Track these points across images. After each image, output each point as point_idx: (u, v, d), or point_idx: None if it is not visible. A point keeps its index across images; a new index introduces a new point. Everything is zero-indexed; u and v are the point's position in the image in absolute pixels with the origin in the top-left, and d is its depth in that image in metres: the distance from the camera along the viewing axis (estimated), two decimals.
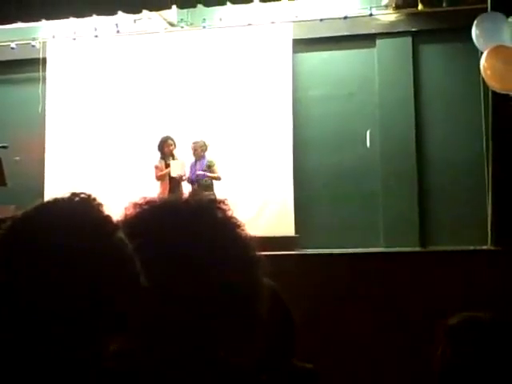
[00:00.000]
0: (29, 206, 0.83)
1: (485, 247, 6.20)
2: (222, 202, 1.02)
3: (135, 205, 0.99)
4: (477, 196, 7.49)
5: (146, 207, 0.98)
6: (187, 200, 1.02)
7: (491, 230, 6.25)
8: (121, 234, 0.85)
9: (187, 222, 0.96)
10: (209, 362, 0.92)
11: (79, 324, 0.78)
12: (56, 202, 0.84)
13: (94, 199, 0.85)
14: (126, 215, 0.98)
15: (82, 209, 0.83)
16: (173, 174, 8.08)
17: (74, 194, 0.85)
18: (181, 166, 8.17)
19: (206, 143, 8.32)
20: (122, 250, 0.83)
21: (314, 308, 4.48)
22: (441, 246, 7.64)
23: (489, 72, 6.01)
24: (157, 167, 8.17)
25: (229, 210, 1.01)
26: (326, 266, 5.20)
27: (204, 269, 0.91)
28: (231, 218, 1.00)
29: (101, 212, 0.85)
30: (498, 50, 6.01)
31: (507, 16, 6.11)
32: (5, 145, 7.35)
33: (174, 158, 8.26)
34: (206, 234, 0.95)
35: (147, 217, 0.97)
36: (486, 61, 6.02)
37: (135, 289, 0.83)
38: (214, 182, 8.22)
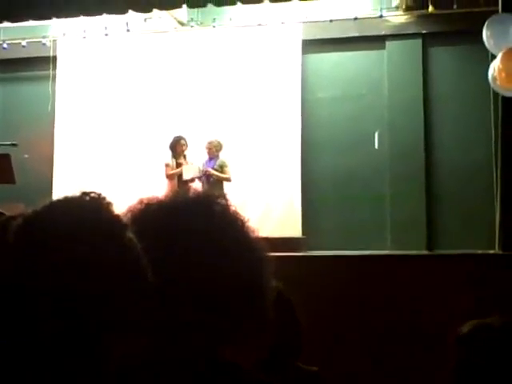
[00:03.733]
0: (39, 205, 0.83)
1: (492, 251, 6.18)
2: (228, 200, 1.02)
3: (142, 203, 1.00)
4: (485, 199, 7.47)
5: (154, 205, 0.99)
6: (195, 198, 1.02)
7: (499, 234, 6.22)
8: (130, 234, 0.85)
9: (195, 219, 0.96)
10: (213, 361, 0.92)
11: (86, 322, 0.78)
12: (66, 200, 0.84)
13: (104, 198, 0.86)
14: (132, 213, 0.98)
15: (92, 208, 0.84)
16: (185, 177, 8.10)
17: (84, 193, 0.85)
18: (193, 170, 8.19)
19: (221, 143, 8.35)
20: (131, 249, 0.84)
21: (320, 310, 4.48)
22: (448, 249, 7.61)
23: (503, 74, 5.94)
24: (167, 165, 8.20)
25: (235, 208, 1.01)
26: (332, 268, 5.19)
27: (211, 268, 0.91)
28: (239, 215, 1.00)
29: (111, 211, 0.85)
30: None
31: None
32: (14, 142, 7.37)
33: (185, 158, 8.30)
34: (214, 232, 0.95)
35: (155, 215, 0.97)
36: (501, 62, 5.96)
37: (144, 287, 0.83)
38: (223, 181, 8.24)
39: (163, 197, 1.02)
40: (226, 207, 1.00)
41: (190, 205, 0.99)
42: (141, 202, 0.99)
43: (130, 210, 0.97)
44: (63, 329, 0.76)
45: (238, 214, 1.00)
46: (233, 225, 0.98)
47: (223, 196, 1.03)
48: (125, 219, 0.90)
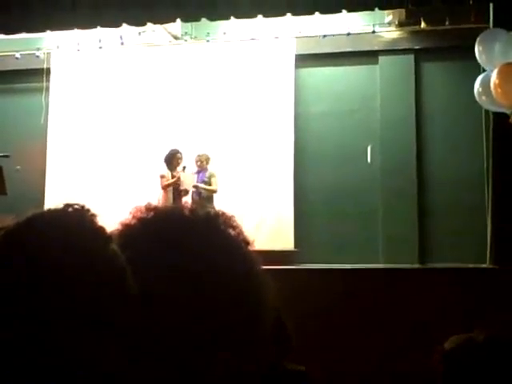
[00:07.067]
0: (22, 216, 0.83)
1: (484, 265, 6.19)
2: (225, 214, 1.01)
3: (138, 212, 0.98)
4: (476, 214, 7.48)
5: (149, 216, 0.98)
6: (189, 210, 1.01)
7: (491, 248, 6.24)
8: (114, 246, 0.85)
9: (187, 232, 0.95)
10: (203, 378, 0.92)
11: (70, 336, 0.78)
12: (49, 212, 0.84)
13: (88, 210, 0.85)
14: (128, 221, 0.97)
15: (74, 220, 0.83)
16: (185, 187, 8.16)
17: (67, 205, 0.85)
18: (191, 179, 8.25)
19: (209, 156, 8.43)
20: (114, 261, 0.83)
21: (311, 323, 4.47)
22: (440, 263, 7.62)
23: (500, 90, 5.95)
24: (163, 176, 8.21)
25: (232, 221, 0.99)
26: (324, 281, 5.20)
27: (201, 281, 0.90)
28: (234, 228, 0.98)
29: (94, 223, 0.85)
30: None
31: (508, 30, 6.13)
32: (6, 154, 7.36)
33: (183, 170, 8.32)
34: (204, 245, 0.94)
35: (147, 226, 0.96)
36: (497, 78, 5.96)
37: (127, 300, 0.82)
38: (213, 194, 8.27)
39: (159, 208, 1.01)
40: (219, 220, 0.98)
41: (184, 217, 0.98)
42: (137, 212, 0.98)
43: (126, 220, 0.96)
44: (42, 341, 0.76)
45: (231, 226, 0.98)
46: (225, 236, 0.97)
47: (220, 212, 1.01)
48: (117, 230, 0.90)
